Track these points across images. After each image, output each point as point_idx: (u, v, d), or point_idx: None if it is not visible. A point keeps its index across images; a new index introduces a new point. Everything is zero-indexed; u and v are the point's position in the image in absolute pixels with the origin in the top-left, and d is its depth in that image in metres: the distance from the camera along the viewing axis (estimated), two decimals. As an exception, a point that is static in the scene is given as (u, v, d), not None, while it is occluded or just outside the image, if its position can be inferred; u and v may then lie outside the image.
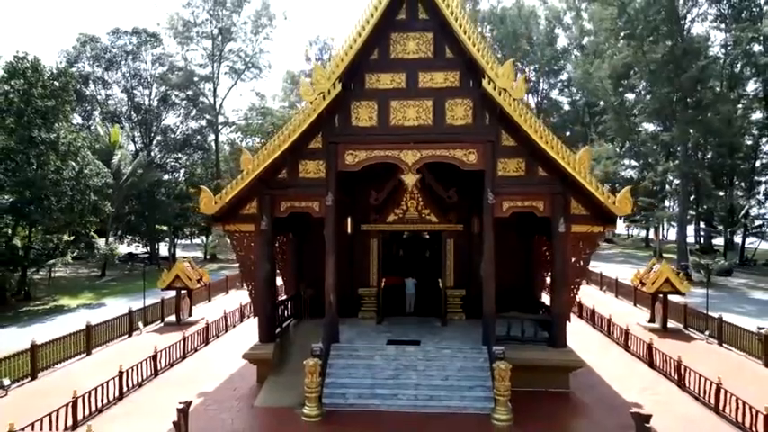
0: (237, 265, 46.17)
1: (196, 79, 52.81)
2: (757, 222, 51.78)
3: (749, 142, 52.48)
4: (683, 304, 23.49)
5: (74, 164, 30.17)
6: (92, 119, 49.49)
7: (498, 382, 11.83)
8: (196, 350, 18.40)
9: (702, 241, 55.69)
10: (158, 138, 52.33)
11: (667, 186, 55.79)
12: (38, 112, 29.58)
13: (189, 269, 24.60)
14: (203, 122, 54.48)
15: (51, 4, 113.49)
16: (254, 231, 14.42)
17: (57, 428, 10.72)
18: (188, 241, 68.10)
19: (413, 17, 13.98)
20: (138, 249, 53.67)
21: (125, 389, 13.71)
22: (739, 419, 11.54)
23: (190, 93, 51.61)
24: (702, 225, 54.77)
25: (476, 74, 13.44)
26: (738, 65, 48.93)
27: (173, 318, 24.22)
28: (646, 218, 54.58)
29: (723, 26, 51.08)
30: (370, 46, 13.73)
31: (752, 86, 51.91)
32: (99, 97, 50.43)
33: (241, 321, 23.52)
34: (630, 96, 54.31)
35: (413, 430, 11.45)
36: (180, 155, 53.25)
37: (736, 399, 11.75)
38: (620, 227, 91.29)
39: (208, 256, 54.85)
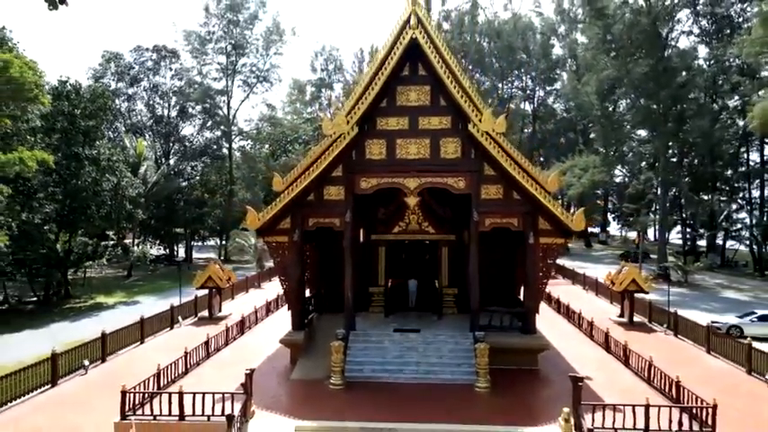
0: (251, 266, 49.92)
1: (212, 92, 56.48)
2: (737, 226, 55.29)
3: (732, 150, 55.99)
4: (647, 301, 27.10)
5: (112, 177, 33.88)
6: (116, 131, 53.13)
7: (479, 359, 15.49)
8: (235, 339, 22.09)
9: (687, 244, 59.25)
10: (176, 147, 56.00)
11: (658, 190, 59.31)
12: (80, 130, 33.29)
13: (219, 271, 28.24)
14: (218, 133, 58.18)
15: (74, 21, 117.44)
16: (287, 242, 18.05)
17: (149, 387, 14.36)
18: (201, 243, 71.90)
19: (414, 74, 17.62)
20: (159, 252, 57.37)
21: (188, 366, 17.42)
22: (662, 386, 15.22)
23: (206, 105, 55.29)
24: (687, 229, 58.28)
25: (463, 119, 17.05)
26: (720, 80, 52.42)
27: (205, 313, 27.86)
28: (634, 221, 58.17)
29: (707, 40, 54.67)
30: (381, 96, 17.36)
31: (734, 98, 55.42)
32: (122, 110, 54.11)
33: (267, 316, 27.16)
34: (618, 107, 57.86)
35: (415, 396, 15.08)
36: (196, 163, 56.95)
37: (660, 372, 15.42)
38: (614, 228, 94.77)
39: (222, 258, 58.54)
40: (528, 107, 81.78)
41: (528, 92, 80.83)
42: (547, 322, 23.86)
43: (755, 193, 55.04)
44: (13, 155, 25.76)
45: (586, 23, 51.34)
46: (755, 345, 20.06)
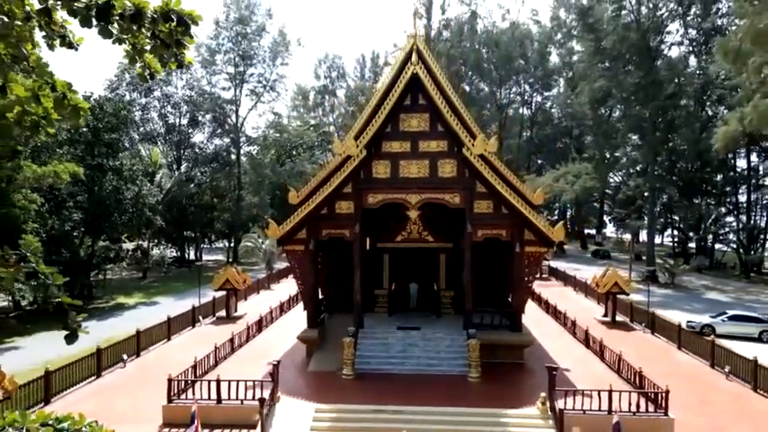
0: (258, 267, 52.63)
1: (221, 102, 58.97)
2: (724, 229, 57.59)
3: (721, 156, 58.21)
4: (629, 302, 29.49)
5: (133, 186, 36.31)
6: (131, 139, 55.57)
7: (471, 353, 17.88)
8: (255, 336, 24.50)
9: (678, 246, 61.61)
10: (187, 154, 58.50)
11: (646, 194, 61.69)
12: (103, 143, 35.72)
13: (236, 274, 30.66)
14: (227, 140, 60.67)
15: (90, 34, 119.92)
16: (303, 250, 20.44)
17: (188, 376, 16.74)
18: (209, 246, 74.33)
19: (415, 103, 20.01)
20: (171, 253, 59.80)
21: (217, 360, 19.84)
22: (628, 377, 17.63)
23: (216, 114, 57.76)
24: (676, 232, 60.64)
25: (458, 143, 19.44)
26: (708, 90, 54.68)
27: (222, 313, 30.30)
28: (626, 225, 60.61)
29: (696, 50, 56.94)
30: (386, 123, 19.75)
31: (722, 107, 57.66)
32: (136, 119, 56.59)
33: (281, 315, 29.57)
34: (612, 114, 60.20)
35: (416, 385, 17.46)
36: (206, 169, 59.45)
37: (627, 364, 17.82)
38: (610, 230, 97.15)
39: (231, 259, 60.98)
40: (526, 111, 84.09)
41: (526, 97, 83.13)
42: (535, 321, 26.31)
43: (742, 198, 57.39)
44: (48, 168, 28.18)
45: (580, 35, 53.65)
46: (723, 342, 22.68)
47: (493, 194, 19.53)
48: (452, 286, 23.40)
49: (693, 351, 22.10)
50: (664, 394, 14.83)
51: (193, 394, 15.69)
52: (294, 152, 69.71)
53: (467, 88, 79.54)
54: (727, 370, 19.35)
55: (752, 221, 54.83)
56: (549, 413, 15.01)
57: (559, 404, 14.78)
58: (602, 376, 18.33)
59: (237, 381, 15.57)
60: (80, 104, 8.88)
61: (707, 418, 15.70)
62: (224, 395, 15.53)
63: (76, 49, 9.19)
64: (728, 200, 58.11)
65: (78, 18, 5.18)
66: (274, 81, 60.34)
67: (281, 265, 51.64)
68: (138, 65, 7.85)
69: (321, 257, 23.08)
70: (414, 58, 19.41)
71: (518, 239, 19.57)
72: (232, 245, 62.52)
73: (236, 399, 15.41)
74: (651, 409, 14.89)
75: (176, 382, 15.93)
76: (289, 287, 38.43)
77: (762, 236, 55.80)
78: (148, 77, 8.83)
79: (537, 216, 19.36)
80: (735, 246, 54.65)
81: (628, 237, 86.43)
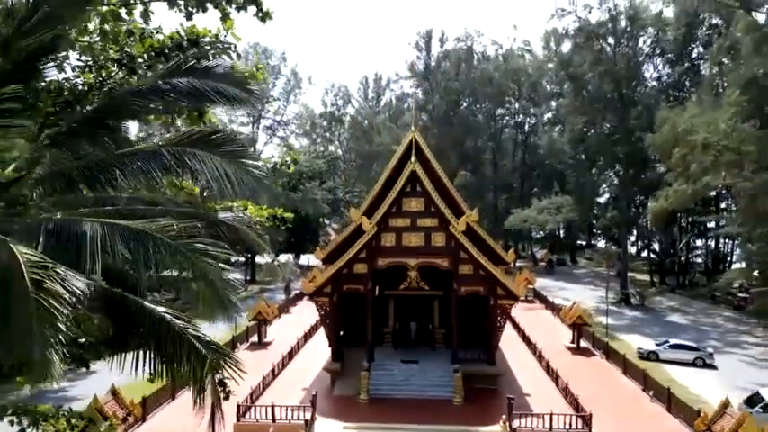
0: (274, 286, 59.07)
1: (240, 138, 65.25)
2: (694, 252, 63.74)
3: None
4: (591, 331, 35.60)
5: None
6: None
7: (456, 382, 24.07)
8: (287, 365, 30.64)
9: (653, 267, 67.68)
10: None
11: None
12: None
13: (266, 307, 36.85)
14: (245, 171, 66.96)
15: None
16: (328, 301, 26.62)
17: (248, 402, 22.84)
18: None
19: (414, 190, 26.16)
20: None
21: (265, 386, 26.02)
22: (570, 400, 23.77)
23: (237, 150, 64.01)
24: (652, 255, 66.76)
25: (447, 221, 25.58)
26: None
27: (255, 339, 36.46)
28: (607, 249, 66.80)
29: (671, 91, 62.94)
30: (392, 205, 25.91)
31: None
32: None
33: (305, 343, 35.68)
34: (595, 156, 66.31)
35: (415, 407, 23.57)
36: (225, 197, 65.67)
37: (570, 390, 23.98)
38: (601, 243, 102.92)
39: (249, 278, 67.23)
40: (519, 135, 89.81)
41: (519, 120, 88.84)
42: (511, 350, 32.36)
43: (711, 224, 63.43)
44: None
45: (562, 82, 59.70)
46: (665, 367, 28.77)
47: (473, 260, 25.66)
48: (444, 325, 29.51)
49: (633, 377, 28.14)
50: (589, 417, 20.98)
51: (254, 415, 21.82)
52: (305, 176, 75.86)
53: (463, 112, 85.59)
54: (651, 394, 25.42)
55: (719, 247, 60.87)
56: (509, 430, 21.12)
57: (515, 424, 20.93)
58: (553, 401, 24.37)
59: (286, 406, 21.70)
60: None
61: (625, 432, 21.82)
62: (276, 415, 21.63)
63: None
64: (699, 224, 64.03)
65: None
66: (289, 120, 66.73)
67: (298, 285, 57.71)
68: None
69: (341, 303, 29.21)
70: (413, 158, 25.57)
71: (492, 295, 25.73)
72: (249, 264, 68.79)
73: (286, 419, 21.52)
74: (581, 426, 21.01)
75: (241, 406, 22.07)
76: (306, 309, 44.11)
77: (728, 259, 61.85)
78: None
79: (505, 277, 25.53)
80: (701, 269, 60.74)
81: (615, 248, 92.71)
